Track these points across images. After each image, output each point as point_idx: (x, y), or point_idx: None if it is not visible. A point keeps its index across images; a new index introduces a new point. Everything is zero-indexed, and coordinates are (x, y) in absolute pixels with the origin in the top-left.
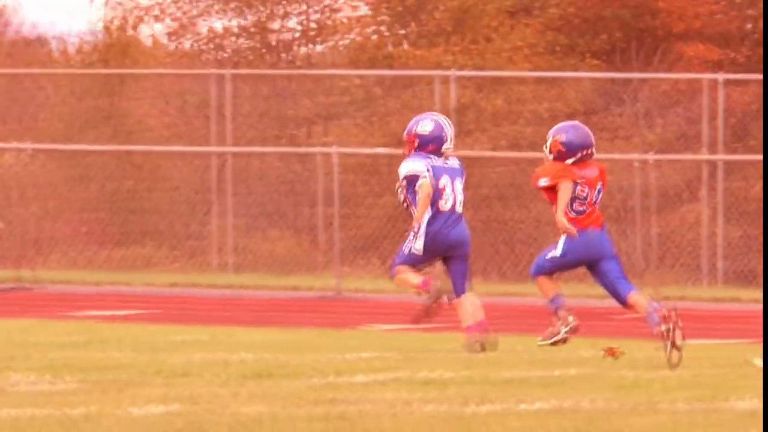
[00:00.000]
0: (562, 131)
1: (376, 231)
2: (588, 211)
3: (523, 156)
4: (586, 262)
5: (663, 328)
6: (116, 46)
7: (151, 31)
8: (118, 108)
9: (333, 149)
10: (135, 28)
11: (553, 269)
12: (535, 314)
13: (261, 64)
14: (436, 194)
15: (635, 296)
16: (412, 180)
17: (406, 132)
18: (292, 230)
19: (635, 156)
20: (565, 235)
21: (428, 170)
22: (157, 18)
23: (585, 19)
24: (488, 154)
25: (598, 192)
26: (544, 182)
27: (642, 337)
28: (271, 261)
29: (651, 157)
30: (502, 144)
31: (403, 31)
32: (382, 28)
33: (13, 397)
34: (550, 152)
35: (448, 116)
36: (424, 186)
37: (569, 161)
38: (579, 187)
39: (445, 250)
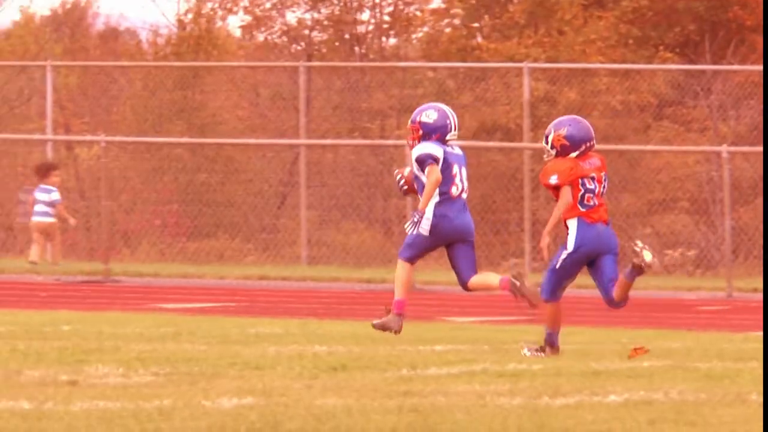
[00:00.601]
0: (563, 125)
1: None
2: (597, 204)
3: (599, 148)
4: (595, 255)
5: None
6: (191, 38)
7: (225, 24)
8: (192, 101)
9: (406, 141)
10: (210, 21)
11: (565, 271)
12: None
13: (335, 56)
14: (449, 179)
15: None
16: (423, 162)
17: (410, 121)
18: (366, 223)
19: (709, 148)
20: (576, 227)
21: (443, 154)
22: (231, 11)
23: (658, 12)
24: None
25: (604, 184)
26: (554, 180)
27: (729, 330)
28: (344, 253)
29: (725, 149)
30: None
31: (476, 24)
32: (456, 21)
33: (87, 391)
34: (552, 147)
35: (521, 109)
36: (434, 171)
37: (572, 155)
38: (588, 182)
39: (449, 236)
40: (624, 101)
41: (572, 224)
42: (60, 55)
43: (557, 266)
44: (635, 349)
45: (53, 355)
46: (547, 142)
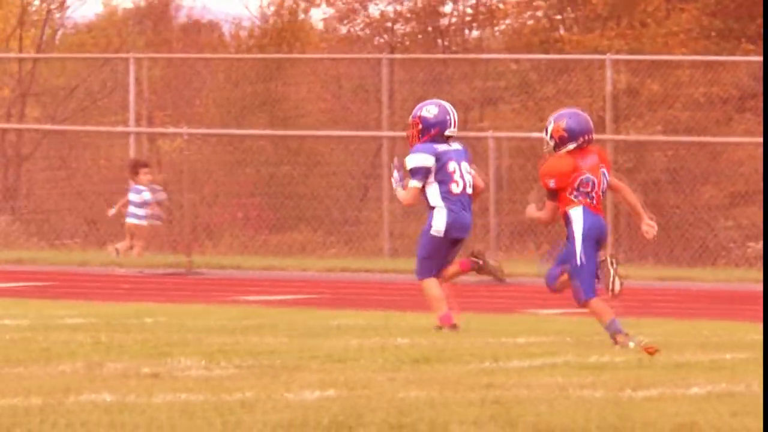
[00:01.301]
0: (563, 118)
1: None
2: (596, 199)
3: (681, 140)
4: (600, 241)
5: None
6: (273, 31)
7: (308, 17)
8: (274, 93)
9: (489, 134)
10: (293, 13)
11: (589, 261)
12: (704, 298)
13: (417, 48)
14: (447, 178)
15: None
16: (417, 171)
17: (411, 116)
18: None
19: None
20: (582, 215)
21: (435, 160)
22: (314, 3)
23: (740, 4)
24: (643, 138)
25: (604, 177)
26: (552, 184)
27: None
28: None
29: None
30: (658, 129)
31: (559, 17)
32: (539, 13)
33: (172, 383)
34: (551, 138)
35: (604, 101)
36: (410, 192)
37: (570, 146)
38: (584, 182)
39: (460, 232)
40: (706, 93)
41: (576, 213)
42: (143, 48)
43: (579, 264)
44: (647, 348)
45: (136, 347)
46: (547, 133)
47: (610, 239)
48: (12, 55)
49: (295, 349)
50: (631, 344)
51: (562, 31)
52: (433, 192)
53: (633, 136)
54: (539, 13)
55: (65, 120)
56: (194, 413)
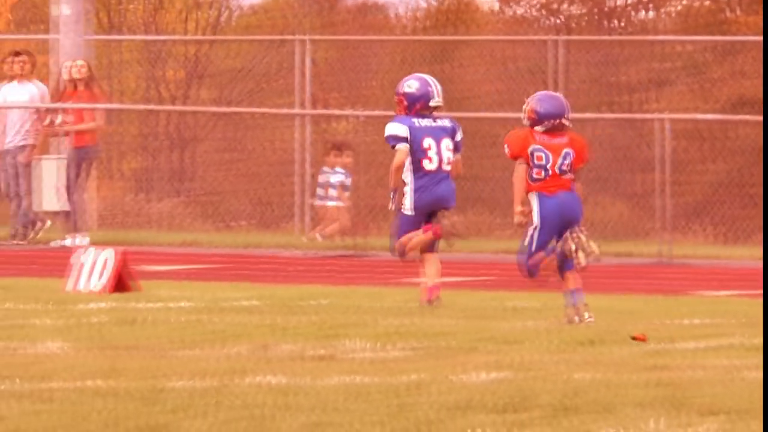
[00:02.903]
0: (538, 100)
1: (708, 197)
2: (550, 176)
3: None
4: (561, 225)
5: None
6: (447, 12)
7: None
8: (448, 75)
9: (665, 115)
10: None
11: (541, 247)
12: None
13: (593, 30)
14: (420, 154)
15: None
16: (394, 138)
17: (395, 93)
18: (624, 197)
19: None
20: (537, 202)
21: (409, 133)
22: None
23: None
24: None
25: (564, 158)
26: (506, 151)
27: None
28: (602, 227)
29: None
30: None
31: None
32: None
33: (345, 364)
34: (526, 118)
35: None
36: (398, 154)
37: (539, 128)
38: (537, 154)
39: (431, 205)
40: None
41: (533, 199)
42: (314, 30)
43: (533, 247)
44: (635, 337)
45: (309, 329)
46: (523, 114)
47: None
48: (186, 37)
49: (468, 331)
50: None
51: (738, 12)
52: (406, 166)
53: None
54: None
55: (237, 102)
56: (366, 395)
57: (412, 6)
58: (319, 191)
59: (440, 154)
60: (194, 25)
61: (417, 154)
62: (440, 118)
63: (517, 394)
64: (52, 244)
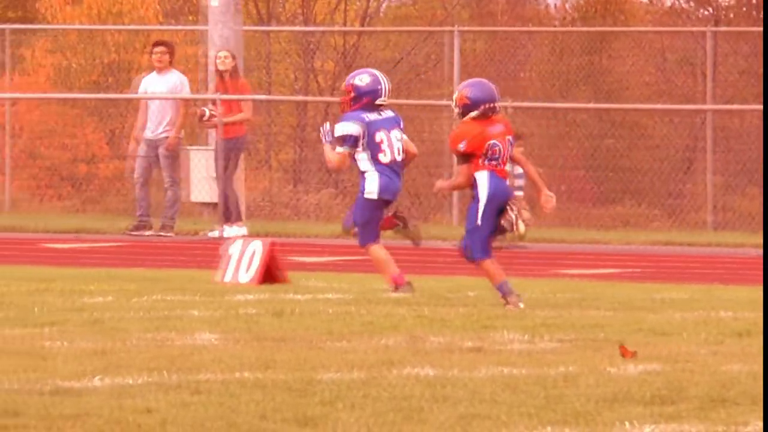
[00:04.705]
0: (468, 86)
1: None
2: (502, 165)
3: None
4: (501, 205)
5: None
6: (598, 3)
7: None
8: (599, 66)
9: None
10: None
11: (488, 223)
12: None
13: (742, 21)
14: (375, 148)
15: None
16: (345, 139)
17: (344, 84)
18: None
19: None
20: (487, 179)
21: (362, 129)
22: None
23: None
24: None
25: (510, 145)
26: (462, 147)
27: None
28: (749, 219)
29: None
30: None
31: None
32: None
33: (494, 356)
34: (456, 106)
35: None
36: (338, 157)
37: (472, 114)
38: (493, 149)
39: (391, 195)
40: None
41: (482, 176)
42: (467, 21)
43: (477, 224)
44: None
45: (458, 321)
46: (453, 102)
47: None
48: (337, 28)
49: (618, 323)
50: (521, 305)
51: None
52: (363, 159)
53: None
54: None
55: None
56: (517, 386)
57: None
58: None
59: (392, 145)
60: (344, 15)
61: (372, 148)
62: (384, 110)
63: (666, 387)
64: (202, 234)
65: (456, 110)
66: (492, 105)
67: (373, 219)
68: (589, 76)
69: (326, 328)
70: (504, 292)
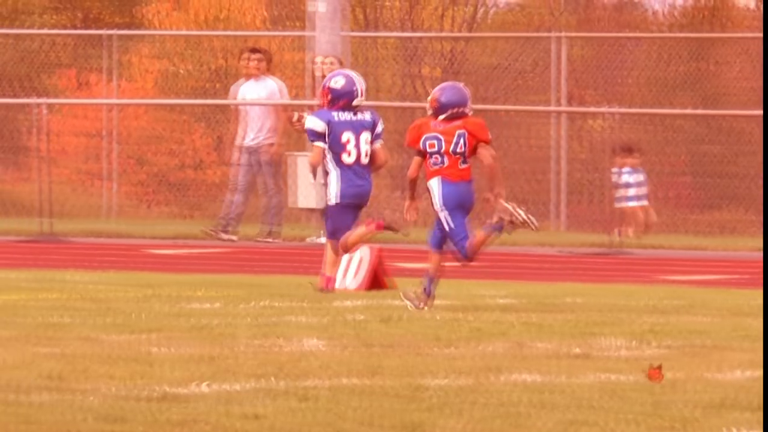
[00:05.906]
0: (440, 90)
1: None
2: (447, 162)
3: None
4: (462, 211)
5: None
6: (705, 9)
7: None
8: (705, 72)
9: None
10: None
11: (459, 228)
12: None
13: None
14: (339, 148)
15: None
16: (310, 133)
17: (321, 86)
18: None
19: None
20: (438, 186)
21: (328, 127)
22: None
23: None
24: None
25: (458, 139)
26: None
27: None
28: None
29: None
30: None
31: None
32: None
33: (600, 363)
34: (430, 107)
35: None
36: (314, 150)
37: (441, 117)
38: (429, 142)
39: (356, 198)
40: None
41: (434, 184)
42: (573, 27)
43: (449, 228)
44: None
45: (564, 327)
46: (427, 104)
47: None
48: (443, 34)
49: (725, 329)
50: (426, 309)
51: None
52: (328, 159)
53: None
54: None
55: (493, 99)
56: (622, 393)
57: (669, 3)
58: (620, 192)
59: (359, 147)
60: (450, 21)
61: (336, 147)
62: (361, 111)
63: None
64: (308, 240)
65: (429, 112)
66: (460, 109)
67: (342, 223)
68: (694, 82)
69: (433, 334)
70: (429, 290)
